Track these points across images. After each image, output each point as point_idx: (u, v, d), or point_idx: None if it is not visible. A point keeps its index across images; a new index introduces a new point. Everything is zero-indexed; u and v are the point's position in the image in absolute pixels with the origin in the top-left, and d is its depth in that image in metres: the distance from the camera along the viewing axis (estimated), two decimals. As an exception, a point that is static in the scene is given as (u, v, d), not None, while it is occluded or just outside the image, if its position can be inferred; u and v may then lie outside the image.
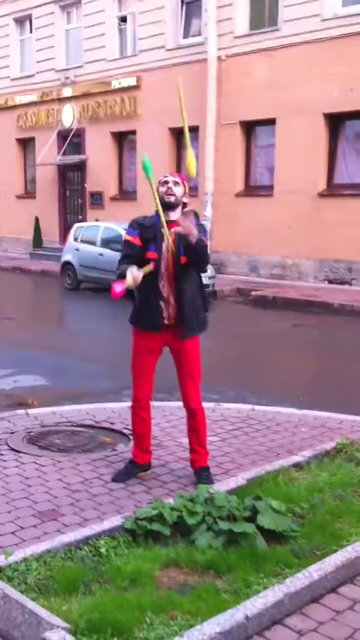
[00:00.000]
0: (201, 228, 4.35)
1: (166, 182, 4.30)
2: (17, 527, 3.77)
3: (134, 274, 4.04)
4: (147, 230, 4.29)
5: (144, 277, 4.12)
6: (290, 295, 13.88)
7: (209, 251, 4.36)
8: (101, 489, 4.31)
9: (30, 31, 22.35)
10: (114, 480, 4.44)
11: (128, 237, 4.33)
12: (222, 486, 4.11)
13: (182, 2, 17.88)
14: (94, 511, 3.99)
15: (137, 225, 4.33)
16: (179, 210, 4.32)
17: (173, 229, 4.26)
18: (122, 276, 4.10)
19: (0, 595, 2.94)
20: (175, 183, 4.29)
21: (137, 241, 4.29)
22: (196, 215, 4.43)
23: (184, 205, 4.35)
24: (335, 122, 15.06)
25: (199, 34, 17.41)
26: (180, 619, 2.85)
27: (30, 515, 3.92)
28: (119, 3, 19.53)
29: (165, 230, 4.20)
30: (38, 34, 21.78)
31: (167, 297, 4.30)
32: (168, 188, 4.27)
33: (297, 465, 4.60)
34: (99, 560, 3.32)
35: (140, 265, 4.17)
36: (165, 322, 4.33)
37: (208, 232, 15.81)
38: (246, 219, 16.38)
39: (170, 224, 4.28)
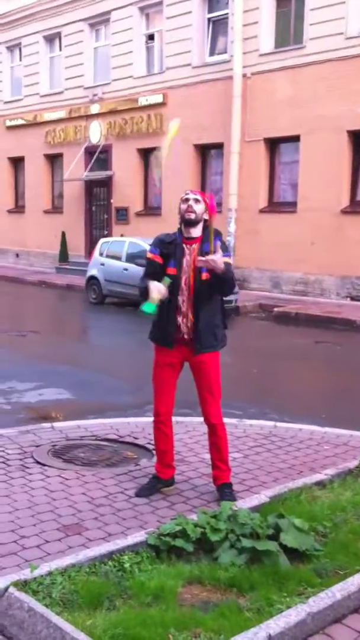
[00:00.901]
0: (225, 247, 4.40)
1: (187, 200, 4.35)
2: (42, 541, 3.82)
3: (158, 287, 4.17)
4: (167, 247, 4.36)
5: (168, 287, 4.24)
6: (313, 311, 13.85)
7: (232, 269, 4.42)
8: (125, 504, 4.35)
9: (60, 49, 22.70)
10: (137, 495, 4.47)
11: (149, 255, 4.43)
12: (245, 503, 4.13)
13: (209, 20, 18.08)
14: (117, 526, 4.02)
15: (159, 243, 4.40)
16: (199, 226, 4.38)
17: (194, 245, 4.33)
18: (143, 295, 4.22)
19: (26, 609, 2.98)
20: (196, 200, 4.34)
21: (157, 259, 4.37)
22: (219, 233, 4.49)
23: (205, 222, 4.41)
24: (359, 139, 15.06)
25: (225, 52, 17.56)
26: (203, 636, 2.87)
27: (55, 529, 3.96)
28: (147, 21, 19.79)
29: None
30: (67, 52, 22.11)
31: (185, 312, 4.34)
32: (189, 206, 4.32)
33: (320, 484, 4.60)
34: (123, 576, 3.35)
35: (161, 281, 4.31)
36: (185, 336, 4.38)
37: (232, 248, 15.89)
38: (269, 235, 16.42)
39: (191, 240, 4.35)
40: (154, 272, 4.36)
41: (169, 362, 4.45)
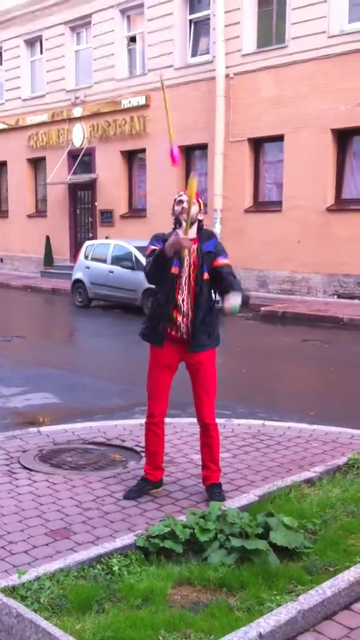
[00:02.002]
0: (221, 247, 4.42)
1: (181, 201, 4.34)
2: (30, 546, 3.78)
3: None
4: None
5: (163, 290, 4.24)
6: (300, 310, 13.88)
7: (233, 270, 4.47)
8: (113, 507, 4.31)
9: (41, 52, 22.63)
10: (125, 497, 4.44)
11: (152, 247, 4.37)
12: (234, 503, 4.11)
13: (190, 21, 18.09)
14: (106, 529, 4.00)
15: (160, 239, 4.33)
16: (195, 227, 4.37)
17: (193, 247, 4.31)
18: (159, 260, 4.19)
19: (14, 615, 2.94)
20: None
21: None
22: (214, 234, 4.50)
23: (200, 223, 4.41)
24: (343, 137, 15.13)
25: (207, 53, 17.58)
26: (193, 637, 2.85)
27: (42, 534, 3.93)
28: (128, 23, 19.77)
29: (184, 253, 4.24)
30: (48, 55, 22.05)
31: (186, 312, 4.34)
32: (183, 207, 4.31)
33: (309, 481, 4.59)
34: (112, 579, 3.32)
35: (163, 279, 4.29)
36: (184, 336, 4.36)
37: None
38: (255, 234, 16.44)
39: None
40: None
41: (166, 363, 4.43)
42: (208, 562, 3.47)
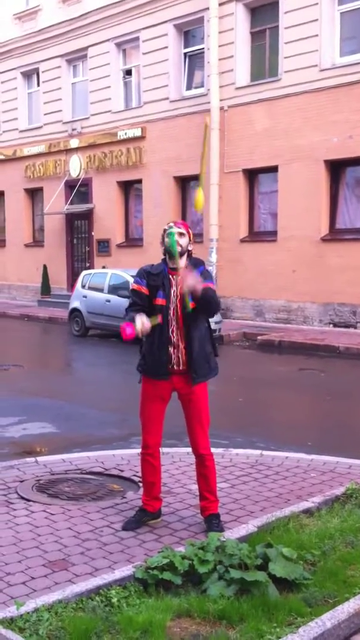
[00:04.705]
0: (207, 274, 4.43)
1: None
2: (28, 577, 3.76)
3: (144, 323, 4.13)
4: (154, 278, 4.37)
5: (152, 326, 4.21)
6: (296, 339, 13.92)
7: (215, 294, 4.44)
8: (111, 538, 4.30)
9: (38, 84, 22.93)
10: (124, 528, 4.43)
11: (135, 286, 4.43)
12: (232, 534, 4.11)
13: (185, 55, 18.39)
14: (104, 560, 3.98)
15: (145, 274, 4.41)
16: (184, 258, 4.42)
17: (179, 277, 4.35)
18: (131, 320, 4.18)
19: (12, 647, 2.93)
20: (181, 234, 4.38)
21: (144, 290, 4.38)
22: (202, 262, 4.53)
23: (189, 253, 4.46)
24: (336, 168, 15.32)
25: (202, 86, 17.85)
26: (193, 670, 2.83)
27: (40, 565, 3.91)
28: (124, 56, 20.10)
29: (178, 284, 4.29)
30: (45, 87, 22.35)
31: (176, 343, 4.35)
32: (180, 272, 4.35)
33: (308, 512, 4.59)
34: (111, 611, 3.31)
35: (149, 314, 4.26)
36: (175, 367, 4.38)
37: (214, 278, 15.96)
38: (251, 264, 16.56)
39: (177, 271, 4.37)
40: (139, 302, 4.37)
41: (159, 394, 4.43)
42: (207, 593, 3.46)
